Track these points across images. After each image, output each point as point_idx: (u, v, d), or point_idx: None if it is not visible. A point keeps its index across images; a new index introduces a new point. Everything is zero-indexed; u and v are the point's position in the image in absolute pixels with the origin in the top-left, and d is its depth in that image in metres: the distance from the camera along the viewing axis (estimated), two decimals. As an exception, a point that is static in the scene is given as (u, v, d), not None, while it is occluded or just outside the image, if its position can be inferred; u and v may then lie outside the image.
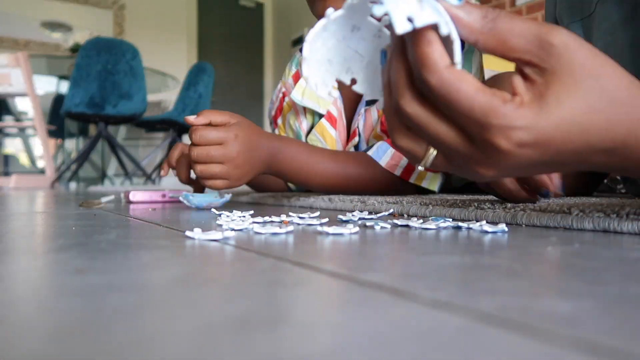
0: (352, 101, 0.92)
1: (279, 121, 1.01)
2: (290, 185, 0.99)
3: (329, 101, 0.90)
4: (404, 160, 0.77)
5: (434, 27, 0.26)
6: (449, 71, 0.26)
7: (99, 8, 4.59)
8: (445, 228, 0.41)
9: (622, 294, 0.19)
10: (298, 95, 0.91)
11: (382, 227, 0.43)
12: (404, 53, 0.28)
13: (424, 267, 0.25)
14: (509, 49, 0.27)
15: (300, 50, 1.00)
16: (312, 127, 0.94)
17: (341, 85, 0.93)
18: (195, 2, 5.00)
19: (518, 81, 0.27)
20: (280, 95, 1.01)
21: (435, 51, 0.26)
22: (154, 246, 0.33)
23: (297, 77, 0.98)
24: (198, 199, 0.70)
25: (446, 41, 0.27)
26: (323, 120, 0.90)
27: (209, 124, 0.65)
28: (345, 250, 0.32)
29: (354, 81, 0.34)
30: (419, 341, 0.14)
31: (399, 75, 0.28)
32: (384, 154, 0.78)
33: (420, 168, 0.32)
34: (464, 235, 0.37)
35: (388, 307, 0.18)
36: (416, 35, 0.26)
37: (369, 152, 0.79)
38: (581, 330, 0.15)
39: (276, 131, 1.03)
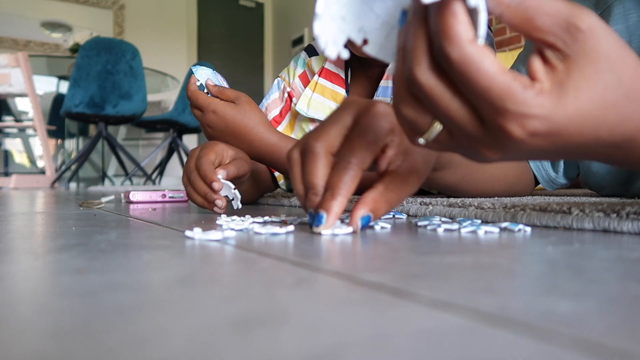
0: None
1: (285, 122, 0.99)
2: (281, 185, 0.98)
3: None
4: None
5: None
6: (472, 46, 0.25)
7: (99, 8, 4.59)
8: (447, 230, 0.41)
9: (622, 294, 0.19)
10: (303, 106, 0.91)
11: (382, 227, 0.43)
12: (425, 19, 0.26)
13: (424, 267, 0.25)
14: (534, 27, 0.25)
15: (305, 49, 0.99)
16: None
17: (351, 87, 0.93)
18: (195, 2, 5.00)
19: (538, 65, 0.26)
20: (286, 95, 0.99)
21: (460, 23, 0.24)
22: (154, 246, 0.33)
23: (304, 77, 0.97)
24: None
25: (471, 12, 0.25)
26: None
27: None
28: (345, 250, 0.32)
29: (365, 42, 0.32)
30: (419, 341, 0.14)
31: (417, 41, 0.27)
32: None
33: (421, 141, 0.30)
34: (464, 235, 0.37)
35: (388, 307, 0.18)
36: (441, 3, 0.25)
37: None
38: (581, 330, 0.15)
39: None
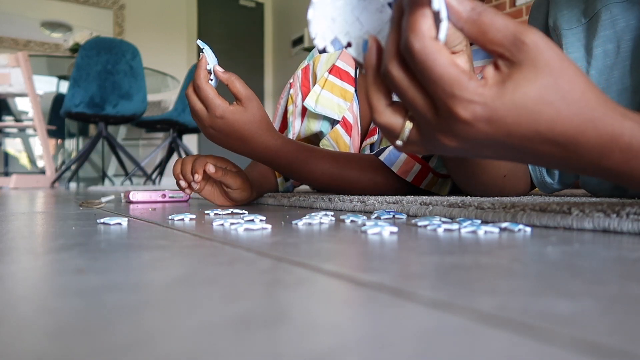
0: None
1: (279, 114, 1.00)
2: (280, 187, 0.98)
3: (345, 107, 0.90)
4: (417, 167, 0.78)
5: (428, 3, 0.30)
6: (432, 41, 0.30)
7: (99, 8, 4.59)
8: (447, 230, 0.41)
9: (622, 294, 0.19)
10: (312, 102, 0.91)
11: (391, 233, 0.42)
12: (399, 26, 0.32)
13: (424, 267, 0.25)
14: (487, 40, 0.30)
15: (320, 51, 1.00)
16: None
17: (361, 89, 0.93)
18: (195, 2, 4.99)
19: (490, 70, 0.31)
20: (288, 85, 1.00)
21: (425, 22, 0.30)
22: (154, 246, 0.33)
23: (306, 70, 0.98)
24: None
25: (437, 20, 0.30)
26: (338, 126, 0.90)
27: None
28: (345, 250, 0.32)
29: (349, 44, 0.37)
30: (419, 341, 0.14)
31: (391, 44, 0.32)
32: (396, 160, 0.78)
33: (398, 143, 0.35)
34: (464, 235, 0.37)
35: (388, 307, 0.18)
36: (414, 6, 0.30)
37: (381, 157, 0.79)
38: (581, 330, 0.15)
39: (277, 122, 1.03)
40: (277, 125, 1.03)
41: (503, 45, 0.30)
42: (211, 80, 0.66)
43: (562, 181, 0.70)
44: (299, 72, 0.99)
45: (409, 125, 0.34)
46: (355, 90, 0.91)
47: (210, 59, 0.65)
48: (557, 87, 0.30)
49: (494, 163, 0.65)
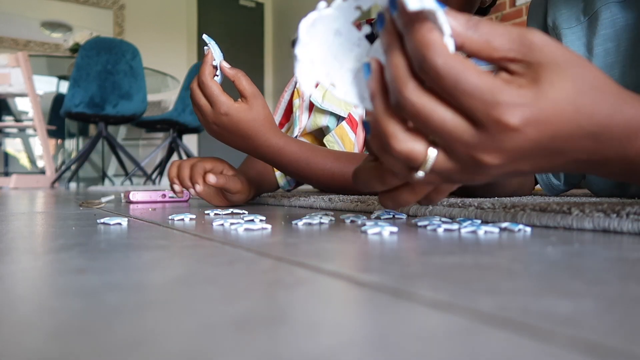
0: None
1: (281, 108, 1.00)
2: (280, 182, 0.97)
3: (352, 104, 0.90)
4: None
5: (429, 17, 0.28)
6: (453, 54, 0.28)
7: (99, 8, 4.59)
8: (447, 230, 0.41)
9: (622, 294, 0.19)
10: (318, 97, 0.91)
11: (390, 233, 0.42)
12: (401, 48, 0.29)
13: (424, 267, 0.25)
14: (493, 48, 0.29)
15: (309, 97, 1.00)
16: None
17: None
18: (195, 2, 4.99)
19: (505, 76, 0.29)
20: (294, 78, 1.00)
21: (438, 37, 0.28)
22: (154, 246, 0.33)
23: None
24: None
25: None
26: (344, 123, 0.90)
27: None
28: (345, 250, 0.32)
29: (332, 85, 0.34)
30: (419, 341, 0.14)
31: (398, 68, 0.29)
32: None
33: (420, 174, 0.31)
34: (464, 235, 0.37)
35: (388, 307, 0.18)
36: (418, 23, 0.28)
37: None
38: (581, 330, 0.15)
39: (278, 116, 1.03)
40: (278, 117, 1.03)
41: (512, 49, 0.28)
42: (216, 76, 0.65)
43: (568, 181, 0.71)
44: None
45: (432, 152, 0.30)
46: None
47: (216, 54, 0.64)
48: (584, 78, 0.30)
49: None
